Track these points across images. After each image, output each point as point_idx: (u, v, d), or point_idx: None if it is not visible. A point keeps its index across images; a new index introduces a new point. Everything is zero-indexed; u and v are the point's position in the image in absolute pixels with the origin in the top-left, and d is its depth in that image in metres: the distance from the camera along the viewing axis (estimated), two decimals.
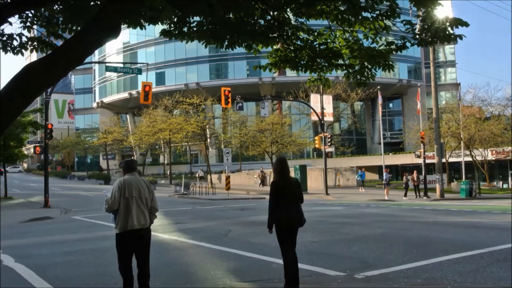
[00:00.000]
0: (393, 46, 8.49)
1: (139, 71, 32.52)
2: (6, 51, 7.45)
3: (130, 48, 77.24)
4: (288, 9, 8.14)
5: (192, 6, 7.22)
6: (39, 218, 22.99)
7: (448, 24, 7.69)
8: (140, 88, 30.64)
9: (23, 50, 7.59)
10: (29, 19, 7.65)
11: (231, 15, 7.81)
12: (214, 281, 9.18)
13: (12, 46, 7.43)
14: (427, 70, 66.23)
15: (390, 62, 8.63)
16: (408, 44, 8.36)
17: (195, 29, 7.98)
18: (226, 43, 8.09)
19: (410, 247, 12.38)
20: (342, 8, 8.02)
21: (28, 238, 16.49)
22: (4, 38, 7.32)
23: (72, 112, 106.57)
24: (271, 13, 8.14)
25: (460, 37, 7.68)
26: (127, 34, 68.39)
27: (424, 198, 34.90)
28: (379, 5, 8.13)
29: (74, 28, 7.51)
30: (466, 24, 7.59)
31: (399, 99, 77.90)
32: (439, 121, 38.96)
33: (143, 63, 43.11)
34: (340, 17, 8.09)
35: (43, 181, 30.69)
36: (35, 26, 7.82)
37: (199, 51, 66.73)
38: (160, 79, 72.39)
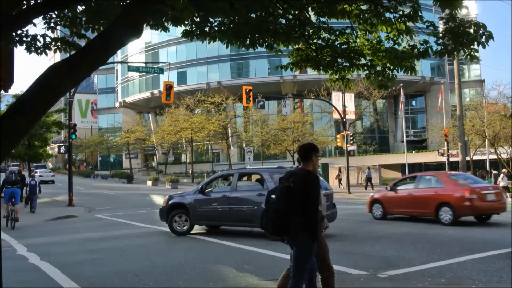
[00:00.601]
0: (415, 51, 8.39)
1: (161, 71, 32.70)
2: (30, 52, 7.54)
3: (152, 48, 77.72)
4: (310, 8, 8.11)
5: (213, 6, 7.24)
6: (63, 217, 23.28)
7: (472, 29, 7.55)
8: (162, 88, 30.83)
9: (46, 50, 7.69)
10: (52, 20, 7.74)
11: (252, 15, 7.82)
12: (236, 279, 9.21)
13: (36, 46, 7.53)
14: (451, 67, 65.41)
15: (413, 65, 8.53)
16: (430, 52, 8.24)
17: (216, 29, 8.00)
18: (248, 42, 8.09)
19: (434, 246, 12.27)
20: (364, 8, 7.96)
21: (53, 236, 16.74)
22: (28, 39, 7.42)
23: (95, 111, 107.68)
24: (292, 12, 8.12)
25: (483, 44, 7.52)
26: (149, 34, 68.78)
27: None
28: (402, 6, 8.03)
29: (97, 28, 7.59)
30: (490, 36, 7.45)
31: (422, 96, 77.07)
32: (463, 119, 38.47)
33: (165, 63, 43.38)
34: (362, 17, 8.04)
35: (67, 180, 31.08)
36: (58, 27, 7.92)
37: (220, 50, 66.84)
38: (182, 78, 72.69)
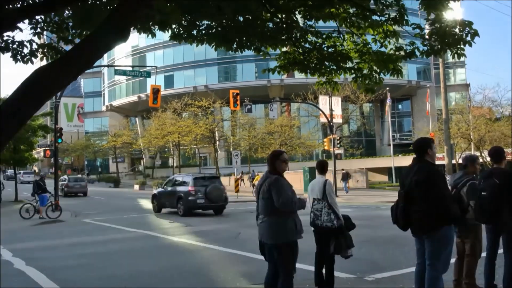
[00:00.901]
0: (402, 52, 8.46)
1: (148, 74, 32.61)
2: (16, 61, 7.40)
3: (139, 51, 77.51)
4: (297, 12, 8.14)
5: (201, 9, 7.24)
6: (49, 221, 23.09)
7: (458, 28, 7.66)
8: (149, 91, 30.75)
9: (33, 59, 7.59)
10: (39, 25, 7.68)
11: (240, 18, 7.82)
12: (224, 284, 9.19)
13: (22, 54, 7.42)
14: (436, 71, 65.94)
15: (399, 67, 8.60)
16: (417, 52, 8.34)
17: (204, 32, 8.00)
18: (235, 45, 8.10)
19: None
20: (351, 11, 8.01)
21: (39, 241, 16.59)
22: (15, 46, 7.32)
23: (81, 115, 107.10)
24: (280, 16, 8.14)
25: (470, 43, 7.64)
26: (135, 38, 68.59)
27: None
28: (388, 9, 8.11)
29: (84, 33, 7.54)
30: (476, 33, 7.55)
31: (408, 100, 77.57)
32: (448, 122, 38.76)
33: (151, 66, 43.22)
34: (348, 20, 8.08)
35: (53, 184, 30.83)
36: (45, 32, 7.86)
37: (207, 54, 66.81)
38: (169, 82, 72.54)
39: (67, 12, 7.74)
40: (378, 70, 8.75)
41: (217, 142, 61.89)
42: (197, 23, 7.94)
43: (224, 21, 7.78)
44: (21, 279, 10.20)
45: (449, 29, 7.72)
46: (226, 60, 70.31)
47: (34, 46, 7.51)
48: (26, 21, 7.16)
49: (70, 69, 5.19)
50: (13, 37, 7.29)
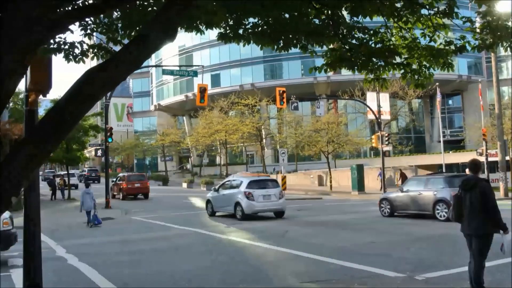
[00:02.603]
0: (452, 47, 8.23)
1: (195, 74, 32.93)
2: (68, 60, 7.67)
3: (186, 51, 78.36)
4: (343, 8, 8.03)
5: (244, 7, 7.25)
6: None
7: (511, 21, 7.41)
8: (196, 90, 31.08)
9: (84, 58, 7.83)
10: (89, 27, 7.88)
11: (286, 15, 7.79)
12: (272, 282, 9.20)
13: (74, 54, 7.67)
14: (488, 65, 64.02)
15: (450, 61, 8.37)
16: (468, 47, 8.11)
17: (250, 31, 8.01)
18: (281, 44, 8.07)
19: None
20: (399, 5, 7.85)
21: (90, 238, 17.02)
22: (66, 47, 7.55)
23: (130, 115, 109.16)
24: (326, 12, 8.05)
25: None
26: (182, 38, 69.37)
27: None
28: (438, 2, 7.91)
29: (132, 33, 7.69)
30: None
31: (459, 95, 75.65)
32: (502, 117, 37.58)
33: (198, 66, 43.68)
34: (396, 14, 7.92)
35: (104, 183, 31.59)
36: (95, 33, 8.06)
37: (253, 52, 66.94)
38: (216, 81, 73.08)
39: (115, 13, 7.90)
40: (427, 65, 8.54)
41: (264, 140, 61.98)
42: (243, 21, 7.95)
43: (270, 19, 7.76)
44: (75, 274, 10.51)
45: (501, 22, 7.47)
46: (272, 58, 70.25)
47: (85, 46, 7.73)
48: (77, 23, 7.35)
49: (119, 70, 5.28)
50: (64, 38, 7.51)
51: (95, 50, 7.96)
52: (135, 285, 9.39)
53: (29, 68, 7.33)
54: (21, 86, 8.23)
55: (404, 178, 40.81)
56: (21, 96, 27.55)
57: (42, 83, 7.90)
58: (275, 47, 8.13)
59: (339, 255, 11.41)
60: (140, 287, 9.31)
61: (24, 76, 6.85)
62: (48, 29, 5.23)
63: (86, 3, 7.13)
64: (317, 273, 9.92)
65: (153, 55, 58.13)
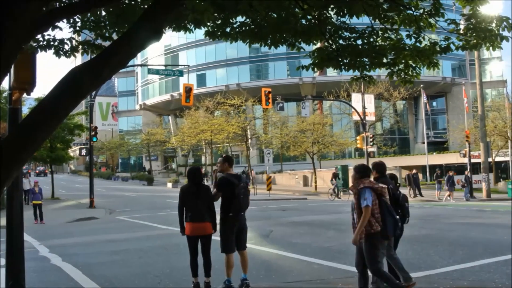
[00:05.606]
0: (437, 47, 8.32)
1: (181, 73, 32.88)
2: (59, 56, 7.74)
3: (172, 50, 78.14)
4: (330, 8, 8.08)
5: (234, 7, 7.26)
6: (85, 218, 23.50)
7: (494, 23, 7.50)
8: (181, 90, 30.99)
9: (74, 53, 7.88)
10: (77, 24, 7.90)
11: (273, 15, 7.82)
12: (255, 281, 9.19)
13: (64, 50, 7.69)
14: (472, 67, 64.62)
15: (435, 60, 8.47)
16: (452, 46, 8.21)
17: (237, 30, 8.03)
18: (269, 42, 8.11)
19: (456, 249, 12.12)
20: (385, 7, 7.90)
21: (74, 237, 16.90)
22: (56, 43, 7.59)
23: (115, 114, 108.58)
24: (313, 13, 8.09)
25: (507, 38, 7.50)
26: (168, 37, 69.07)
27: (469, 198, 33.96)
28: (423, 3, 8.00)
29: (121, 30, 7.70)
30: None
31: (443, 97, 76.32)
32: (485, 119, 37.97)
33: (184, 65, 43.64)
34: (382, 15, 7.98)
35: (88, 182, 31.37)
36: (84, 30, 8.09)
37: (239, 52, 67.00)
38: (201, 80, 72.96)
39: (103, 12, 7.91)
40: (413, 65, 8.63)
41: (249, 140, 61.97)
42: (231, 20, 7.97)
43: (257, 18, 7.80)
44: (58, 274, 10.42)
45: (485, 24, 7.57)
46: (258, 58, 70.32)
47: (74, 43, 7.77)
48: (65, 20, 7.38)
49: (104, 68, 5.26)
50: (54, 36, 7.54)
51: (85, 46, 8.01)
52: (119, 285, 9.34)
53: (13, 66, 7.30)
54: (5, 84, 8.21)
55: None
56: (5, 94, 27.29)
57: (26, 81, 7.86)
58: (262, 43, 8.17)
59: (324, 255, 11.46)
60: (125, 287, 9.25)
61: (8, 74, 6.82)
62: (35, 25, 5.20)
63: (65, 2, 7.13)
64: (301, 273, 9.94)
65: (138, 54, 57.93)
